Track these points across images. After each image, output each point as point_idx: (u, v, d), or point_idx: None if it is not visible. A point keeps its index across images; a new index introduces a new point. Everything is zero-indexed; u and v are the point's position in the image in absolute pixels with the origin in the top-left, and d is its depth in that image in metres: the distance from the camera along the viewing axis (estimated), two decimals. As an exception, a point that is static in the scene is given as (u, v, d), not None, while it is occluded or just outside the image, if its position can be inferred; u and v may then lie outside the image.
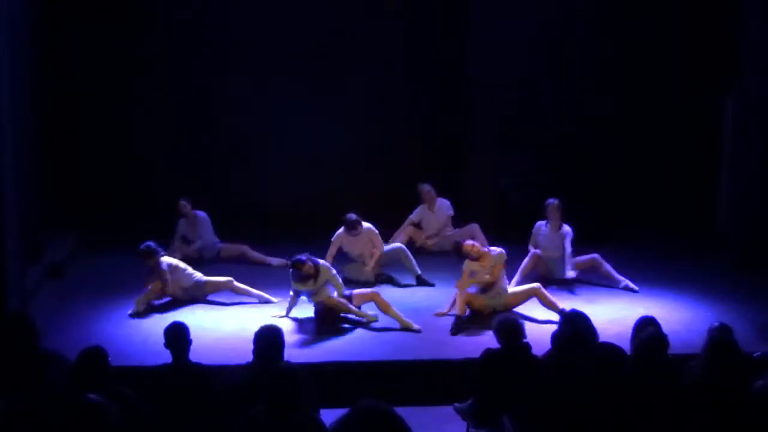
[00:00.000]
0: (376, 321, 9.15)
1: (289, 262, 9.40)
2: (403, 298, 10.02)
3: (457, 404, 7.00)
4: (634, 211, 13.06)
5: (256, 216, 12.70)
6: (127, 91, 13.11)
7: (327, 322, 9.13)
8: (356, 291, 9.46)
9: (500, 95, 13.04)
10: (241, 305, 9.77)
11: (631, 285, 10.32)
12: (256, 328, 6.29)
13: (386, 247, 11.03)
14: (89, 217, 12.65)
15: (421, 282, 10.67)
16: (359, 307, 9.26)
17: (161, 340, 6.42)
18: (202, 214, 11.79)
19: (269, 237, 12.08)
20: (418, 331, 8.91)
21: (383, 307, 9.16)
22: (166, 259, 9.91)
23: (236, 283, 9.96)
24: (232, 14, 13.23)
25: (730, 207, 12.07)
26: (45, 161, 11.96)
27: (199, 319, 9.02)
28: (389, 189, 13.30)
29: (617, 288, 10.31)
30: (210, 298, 9.99)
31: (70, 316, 9.33)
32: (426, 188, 12.16)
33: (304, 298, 9.30)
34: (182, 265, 9.99)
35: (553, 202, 10.73)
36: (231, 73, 13.32)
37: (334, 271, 9.44)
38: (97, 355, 5.83)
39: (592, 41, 13.20)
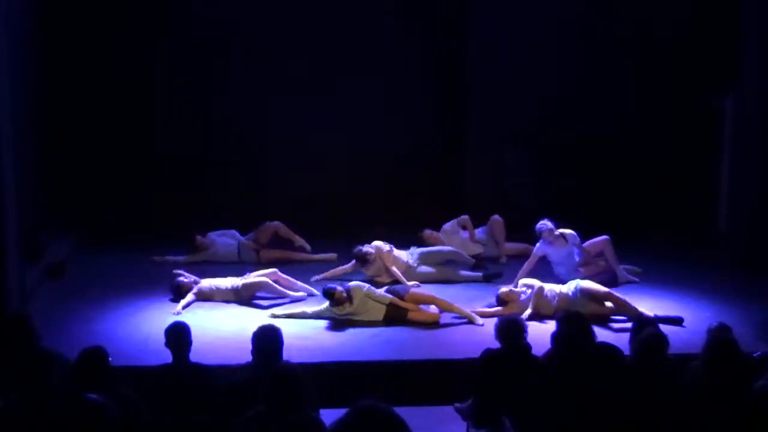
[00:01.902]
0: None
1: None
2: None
3: (457, 404, 7.00)
4: (634, 211, 13.06)
5: (254, 216, 12.68)
6: (128, 91, 13.11)
7: (393, 322, 9.13)
8: (413, 290, 9.48)
9: (501, 95, 13.05)
10: (240, 305, 9.77)
11: (633, 278, 10.47)
12: (255, 328, 6.29)
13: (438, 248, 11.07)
14: (89, 217, 12.66)
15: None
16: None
17: (161, 340, 6.42)
18: (213, 238, 11.76)
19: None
20: (481, 325, 8.94)
21: (445, 307, 9.21)
22: (203, 283, 9.89)
23: (280, 274, 10.05)
24: (236, 14, 13.23)
25: (731, 207, 12.07)
26: (45, 161, 11.97)
27: (199, 319, 9.00)
28: (389, 189, 13.32)
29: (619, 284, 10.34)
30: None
31: (70, 316, 9.31)
32: (427, 233, 11.72)
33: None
34: (216, 283, 9.96)
35: (545, 228, 10.44)
36: (233, 73, 13.34)
37: (366, 286, 9.38)
38: (97, 355, 5.82)
39: (593, 41, 13.20)
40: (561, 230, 10.45)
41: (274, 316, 8.96)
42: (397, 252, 10.76)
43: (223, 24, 13.21)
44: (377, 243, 10.63)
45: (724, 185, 12.43)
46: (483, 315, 9.19)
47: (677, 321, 8.94)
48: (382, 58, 13.47)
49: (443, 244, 11.49)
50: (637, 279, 10.52)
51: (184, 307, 9.46)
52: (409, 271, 10.64)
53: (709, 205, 12.75)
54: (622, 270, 10.57)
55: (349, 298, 9.13)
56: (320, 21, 13.30)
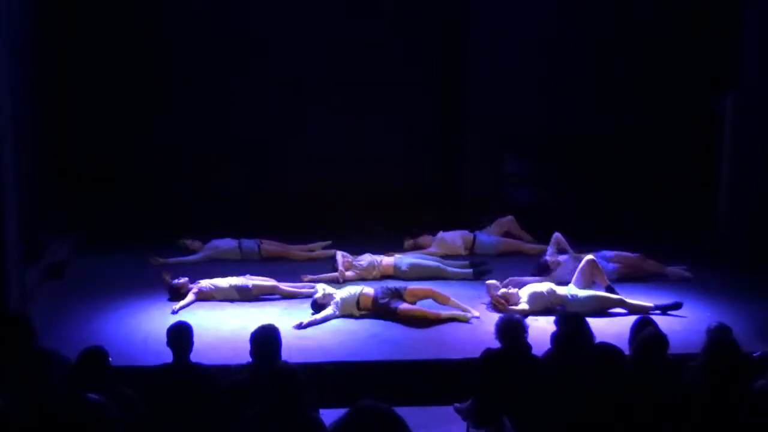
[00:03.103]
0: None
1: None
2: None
3: (457, 404, 6.99)
4: (634, 211, 13.07)
5: (255, 217, 12.69)
6: (129, 92, 13.11)
7: (380, 316, 9.25)
8: (411, 286, 9.55)
9: (501, 95, 13.05)
10: (240, 305, 9.77)
11: (685, 274, 10.75)
12: (255, 328, 6.29)
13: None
14: (89, 217, 12.66)
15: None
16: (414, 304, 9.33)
17: (161, 340, 6.41)
18: (212, 244, 11.78)
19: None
20: (476, 317, 9.08)
21: (443, 301, 9.34)
22: (202, 283, 9.92)
23: (281, 287, 10.05)
24: (235, 15, 13.25)
25: (731, 207, 12.07)
26: (45, 161, 11.97)
27: (199, 319, 9.00)
28: (389, 190, 13.33)
29: (669, 282, 10.51)
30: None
31: (70, 316, 9.32)
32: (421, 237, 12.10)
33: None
34: (215, 282, 9.98)
35: (548, 260, 10.55)
36: (233, 74, 13.34)
37: (334, 290, 9.50)
38: (97, 355, 5.82)
39: (594, 42, 13.22)
40: (552, 258, 10.59)
41: (301, 327, 8.93)
42: (384, 258, 10.95)
43: (223, 26, 13.22)
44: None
45: (724, 185, 12.43)
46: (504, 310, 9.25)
47: (677, 306, 9.30)
48: (382, 59, 13.47)
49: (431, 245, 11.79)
50: (689, 275, 10.75)
51: (182, 308, 9.46)
52: (398, 266, 10.77)
53: (709, 205, 12.76)
54: (672, 269, 10.80)
55: (330, 295, 9.30)
56: (320, 22, 13.30)
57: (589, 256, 9.77)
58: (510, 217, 12.19)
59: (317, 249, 11.86)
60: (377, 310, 9.25)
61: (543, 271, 10.50)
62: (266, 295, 9.98)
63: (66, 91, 12.95)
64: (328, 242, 11.90)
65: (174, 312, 9.29)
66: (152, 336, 8.31)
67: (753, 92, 11.45)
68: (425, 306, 9.34)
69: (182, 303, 9.55)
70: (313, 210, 13.01)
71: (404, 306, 9.18)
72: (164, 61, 13.19)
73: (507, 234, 12.08)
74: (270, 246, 11.72)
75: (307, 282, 10.39)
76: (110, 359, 5.87)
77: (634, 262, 10.73)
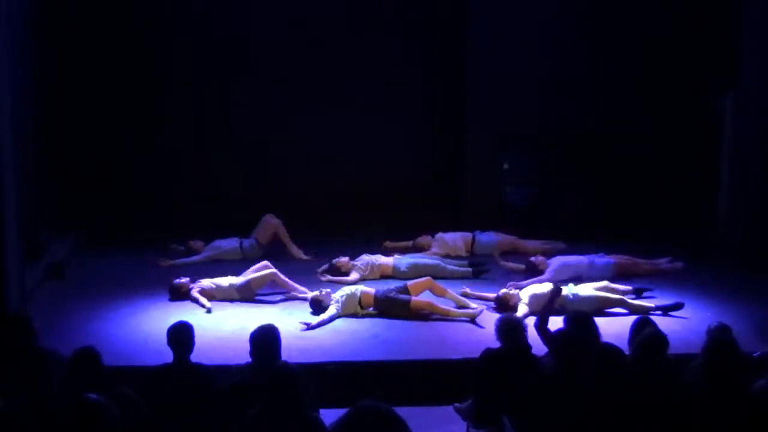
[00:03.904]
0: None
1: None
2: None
3: (457, 404, 6.98)
4: (634, 211, 13.07)
5: (256, 219, 12.69)
6: (129, 92, 13.12)
7: (383, 313, 9.30)
8: (410, 282, 9.61)
9: (500, 96, 13.06)
10: (240, 305, 9.77)
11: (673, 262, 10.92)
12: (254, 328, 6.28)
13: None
14: (89, 217, 12.67)
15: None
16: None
17: (161, 339, 6.40)
18: (215, 244, 11.79)
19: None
20: (473, 316, 9.06)
21: (439, 292, 9.43)
22: (203, 282, 9.93)
23: (280, 276, 10.05)
24: (236, 16, 13.26)
25: (731, 207, 12.08)
26: (45, 161, 11.97)
27: (199, 319, 9.00)
28: (389, 191, 13.32)
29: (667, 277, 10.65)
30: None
31: (70, 316, 9.32)
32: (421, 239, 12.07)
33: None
34: (216, 281, 10.00)
35: (537, 261, 10.66)
36: (233, 74, 13.35)
37: (333, 291, 9.53)
38: (89, 355, 5.78)
39: (594, 42, 13.22)
40: (536, 259, 10.68)
41: (309, 328, 8.93)
42: (382, 258, 11.00)
43: (223, 26, 13.23)
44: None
45: (724, 185, 12.44)
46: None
47: (677, 306, 9.33)
48: (382, 59, 13.47)
49: (431, 247, 11.79)
50: (680, 265, 10.95)
51: (209, 308, 9.48)
52: (397, 267, 10.81)
53: (709, 205, 12.76)
54: (663, 262, 10.95)
55: (328, 294, 9.34)
56: (320, 22, 13.31)
57: (604, 282, 9.81)
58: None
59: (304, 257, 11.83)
60: (381, 305, 9.26)
61: (533, 272, 10.51)
62: (272, 281, 9.95)
63: (66, 91, 12.96)
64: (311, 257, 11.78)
65: (208, 311, 9.35)
66: (152, 336, 8.31)
67: (753, 92, 11.46)
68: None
69: (203, 301, 9.58)
70: (313, 210, 13.01)
71: (416, 298, 9.22)
72: (164, 61, 13.20)
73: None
74: (265, 232, 11.76)
75: (324, 281, 10.45)
76: (104, 358, 5.82)
77: (625, 258, 10.78)
